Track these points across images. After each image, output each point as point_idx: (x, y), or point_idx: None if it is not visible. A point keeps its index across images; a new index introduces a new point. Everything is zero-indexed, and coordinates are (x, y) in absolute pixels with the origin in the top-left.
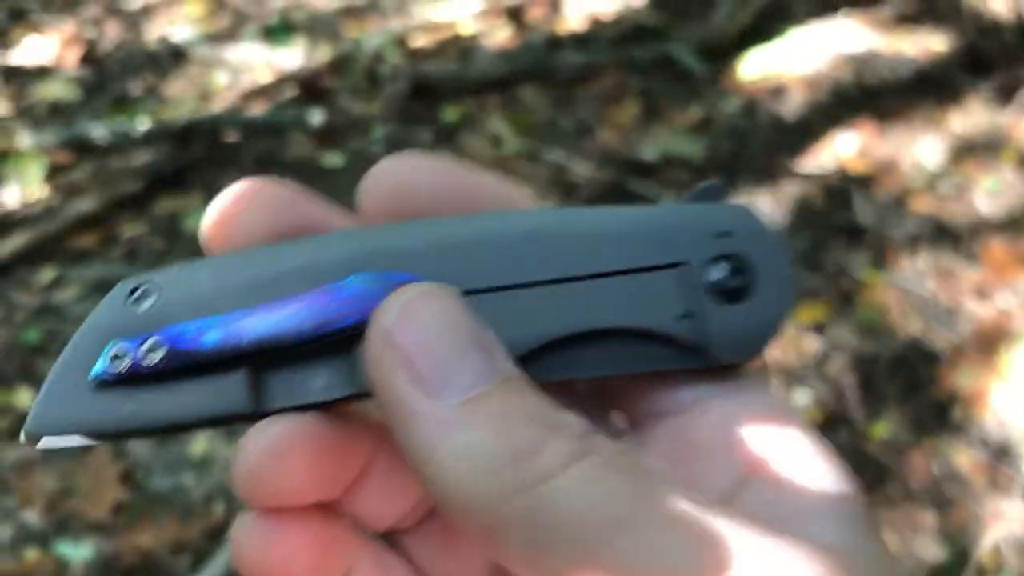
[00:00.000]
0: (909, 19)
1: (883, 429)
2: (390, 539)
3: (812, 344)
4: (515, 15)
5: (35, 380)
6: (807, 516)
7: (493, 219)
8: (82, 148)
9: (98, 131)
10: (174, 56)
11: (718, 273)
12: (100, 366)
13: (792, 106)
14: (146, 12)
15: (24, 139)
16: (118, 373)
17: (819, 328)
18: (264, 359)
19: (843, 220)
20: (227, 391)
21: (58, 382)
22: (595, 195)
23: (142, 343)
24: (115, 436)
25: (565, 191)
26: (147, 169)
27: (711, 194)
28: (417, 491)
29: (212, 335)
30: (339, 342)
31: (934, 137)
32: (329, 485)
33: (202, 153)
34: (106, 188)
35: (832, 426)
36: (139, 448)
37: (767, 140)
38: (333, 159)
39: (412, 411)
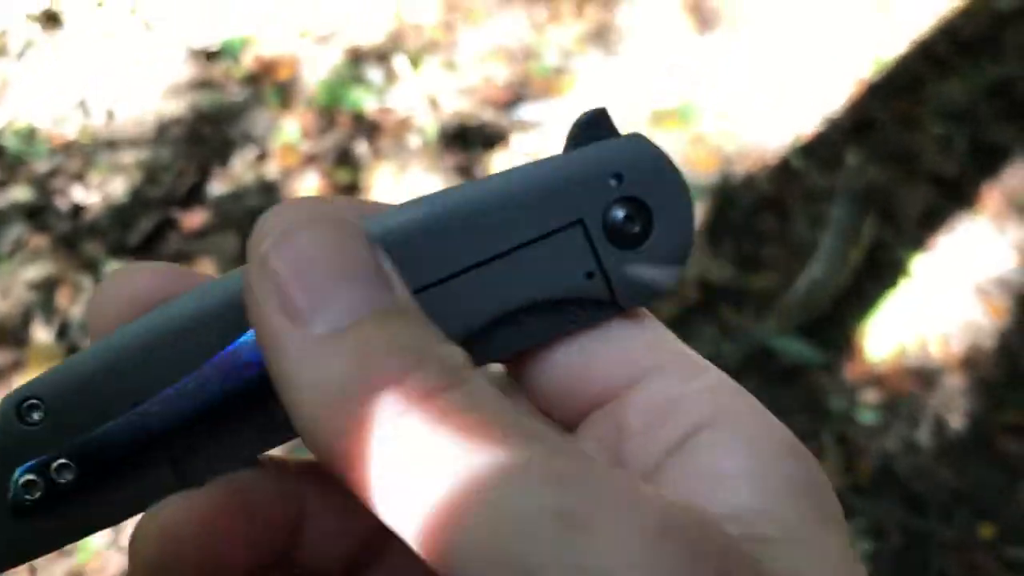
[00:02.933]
0: None
1: None
2: None
3: None
4: None
5: None
6: (725, 485)
7: (384, 218)
8: None
9: None
10: None
11: (615, 221)
12: (13, 495)
13: (957, 405)
14: None
15: None
16: (35, 500)
17: None
18: (180, 439)
19: None
20: (152, 480)
21: None
22: None
23: (48, 464)
24: (46, 552)
25: None
26: None
27: (595, 126)
28: (361, 524)
29: (119, 439)
30: (253, 397)
31: None
32: (253, 551)
33: None
34: None
35: None
36: None
37: (947, 493)
38: None
39: (276, 341)
